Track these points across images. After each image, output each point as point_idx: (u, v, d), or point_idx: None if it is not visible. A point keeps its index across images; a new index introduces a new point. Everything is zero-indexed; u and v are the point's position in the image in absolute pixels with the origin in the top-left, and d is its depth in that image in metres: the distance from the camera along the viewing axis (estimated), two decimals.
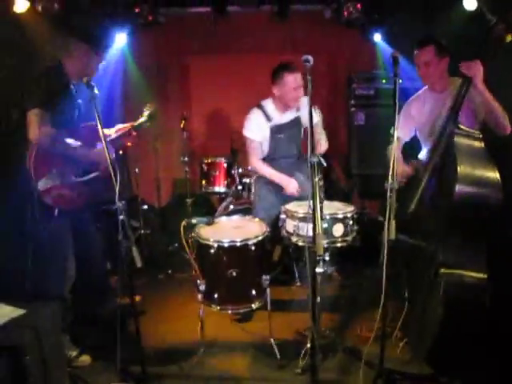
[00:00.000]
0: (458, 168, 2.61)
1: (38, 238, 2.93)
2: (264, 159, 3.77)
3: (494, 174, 2.63)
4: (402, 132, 3.32)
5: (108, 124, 3.18)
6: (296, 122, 3.74)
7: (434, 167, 2.87)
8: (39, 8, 3.69)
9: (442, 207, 2.78)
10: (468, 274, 2.66)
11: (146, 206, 4.63)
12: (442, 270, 2.68)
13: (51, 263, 2.96)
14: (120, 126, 3.42)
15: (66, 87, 2.96)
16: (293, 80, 3.49)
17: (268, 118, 3.67)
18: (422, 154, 3.29)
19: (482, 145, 2.73)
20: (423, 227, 2.93)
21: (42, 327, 2.45)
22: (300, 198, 3.40)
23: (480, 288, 2.63)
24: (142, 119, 3.50)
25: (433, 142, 2.97)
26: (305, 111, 3.67)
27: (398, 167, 3.23)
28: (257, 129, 3.68)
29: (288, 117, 3.72)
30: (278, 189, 3.68)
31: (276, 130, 3.69)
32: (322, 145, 3.55)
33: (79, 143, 2.95)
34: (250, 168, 3.91)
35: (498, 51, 2.73)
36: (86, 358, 3.03)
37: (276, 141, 3.71)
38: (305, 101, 3.66)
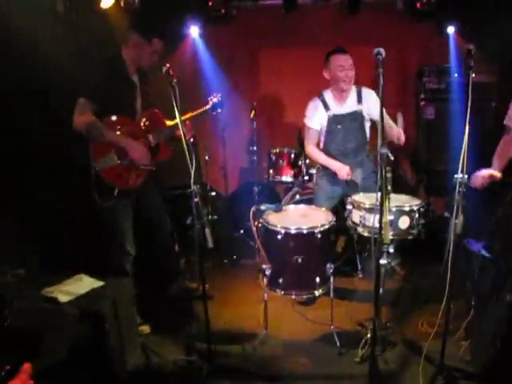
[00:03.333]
0: None
1: (99, 216, 3.10)
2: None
3: None
4: None
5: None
6: (356, 115, 3.70)
7: None
8: (122, 3, 3.92)
9: None
10: None
11: (213, 193, 4.79)
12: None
13: (111, 240, 3.15)
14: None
15: (122, 77, 3.08)
16: (338, 59, 3.55)
17: (326, 107, 3.69)
18: None
19: None
20: (505, 239, 2.76)
21: (118, 298, 2.68)
22: (366, 190, 3.43)
23: None
24: (202, 109, 3.55)
25: None
26: (368, 103, 3.67)
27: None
28: (314, 117, 3.73)
29: (347, 108, 3.70)
30: (336, 180, 3.72)
31: (334, 121, 3.70)
32: (401, 134, 3.30)
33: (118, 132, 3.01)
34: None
35: None
36: (145, 328, 3.23)
37: (333, 131, 3.72)
38: (368, 93, 3.68)
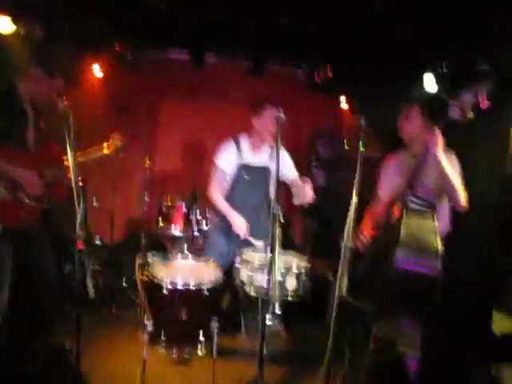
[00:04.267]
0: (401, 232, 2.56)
1: None
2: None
3: (437, 247, 2.55)
4: (383, 191, 3.21)
5: None
6: (266, 171, 3.63)
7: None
8: (22, 32, 3.73)
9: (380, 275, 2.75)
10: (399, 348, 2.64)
11: (98, 241, 4.53)
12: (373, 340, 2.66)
13: None
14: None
15: (12, 107, 2.91)
16: (274, 112, 3.34)
17: (239, 153, 3.58)
18: None
19: (433, 219, 2.63)
20: (364, 290, 2.89)
21: None
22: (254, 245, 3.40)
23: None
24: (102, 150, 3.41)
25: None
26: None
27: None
28: (226, 159, 3.58)
29: (259, 161, 3.63)
30: (229, 236, 3.59)
31: (243, 169, 3.58)
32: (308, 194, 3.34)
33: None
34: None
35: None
36: None
37: (239, 180, 3.61)
38: (282, 152, 3.70)
